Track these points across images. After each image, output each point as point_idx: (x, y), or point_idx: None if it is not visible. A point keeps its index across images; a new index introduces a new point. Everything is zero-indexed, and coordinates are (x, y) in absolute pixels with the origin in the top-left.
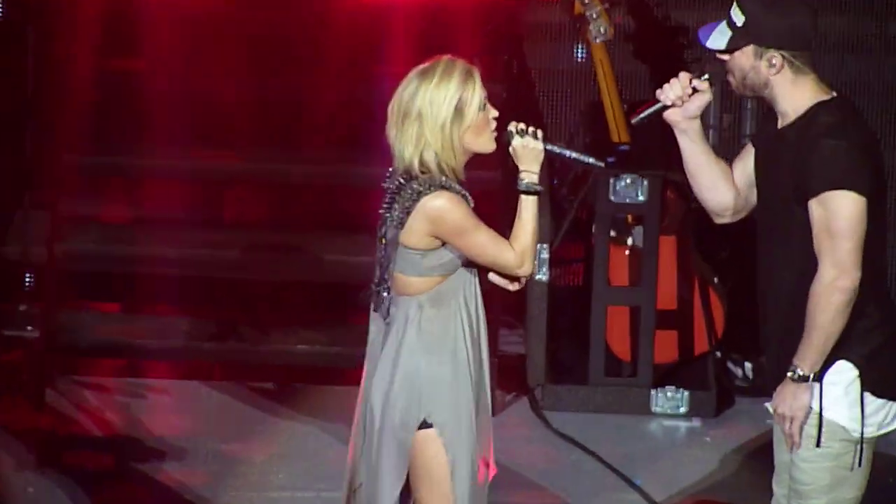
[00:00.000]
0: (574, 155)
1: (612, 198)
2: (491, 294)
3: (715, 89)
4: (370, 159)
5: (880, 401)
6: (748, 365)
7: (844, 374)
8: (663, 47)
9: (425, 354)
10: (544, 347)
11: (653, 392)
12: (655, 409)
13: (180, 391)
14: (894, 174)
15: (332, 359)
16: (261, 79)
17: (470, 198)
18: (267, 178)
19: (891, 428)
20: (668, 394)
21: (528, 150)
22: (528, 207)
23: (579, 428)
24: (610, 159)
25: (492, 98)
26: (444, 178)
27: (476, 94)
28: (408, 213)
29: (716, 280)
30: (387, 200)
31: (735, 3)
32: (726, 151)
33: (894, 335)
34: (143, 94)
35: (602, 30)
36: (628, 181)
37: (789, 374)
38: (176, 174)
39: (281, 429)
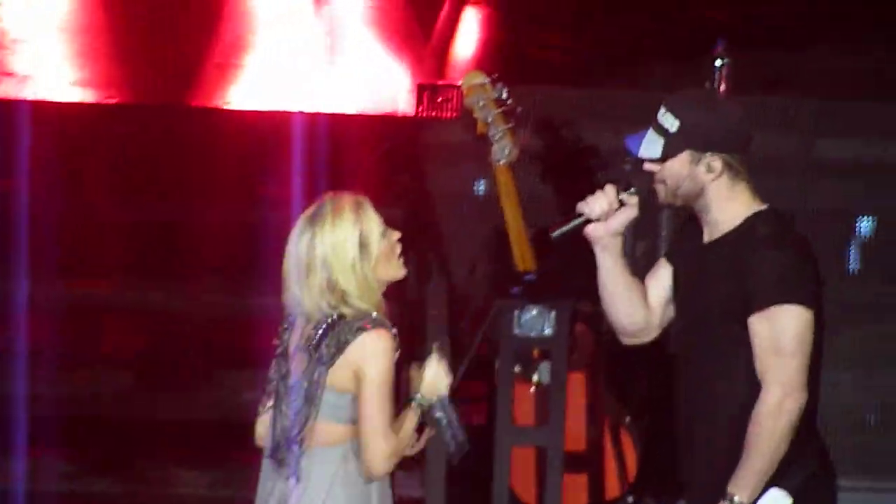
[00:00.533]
0: (452, 422)
1: (516, 331)
2: None
3: None
4: (257, 289)
5: None
6: None
7: (777, 503)
8: (572, 169)
9: None
10: (444, 492)
11: None
12: None
13: None
14: None
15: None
16: (139, 201)
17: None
18: (145, 308)
19: None
20: None
21: (437, 382)
22: (412, 419)
23: None
24: (515, 290)
25: (388, 222)
26: (376, 315)
27: (374, 223)
28: (342, 349)
29: (628, 419)
30: (315, 339)
31: (664, 108)
32: (641, 279)
33: (826, 462)
34: (9, 218)
35: (507, 151)
36: (534, 313)
37: (724, 503)
38: (47, 304)
39: None
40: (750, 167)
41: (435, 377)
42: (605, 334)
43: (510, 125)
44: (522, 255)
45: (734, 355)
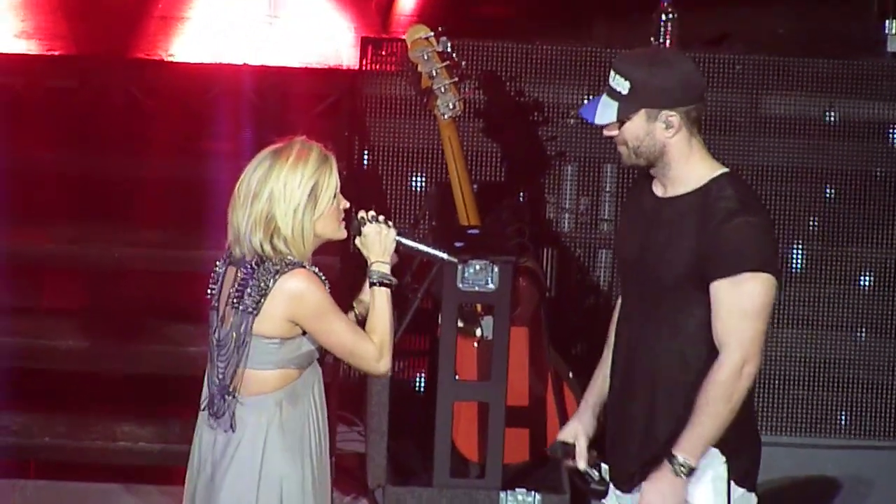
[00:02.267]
0: (426, 249)
1: (459, 285)
2: (328, 387)
3: (573, 169)
4: (199, 243)
5: (740, 490)
6: (605, 467)
7: (713, 460)
8: (516, 124)
9: (289, 457)
10: (386, 446)
11: (502, 495)
12: None
13: None
14: None
15: (156, 457)
16: (82, 154)
17: (326, 281)
18: (88, 261)
19: None
20: (519, 497)
21: (382, 239)
22: (382, 299)
23: None
24: (458, 244)
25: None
26: (292, 258)
27: (332, 181)
28: (264, 296)
29: (570, 375)
30: (236, 289)
31: (614, 72)
32: (584, 235)
33: (755, 424)
34: None
35: (451, 105)
36: (477, 267)
37: (673, 466)
38: None
39: None
40: (701, 122)
41: (377, 232)
42: (547, 289)
43: (454, 79)
44: (466, 210)
45: (688, 314)
